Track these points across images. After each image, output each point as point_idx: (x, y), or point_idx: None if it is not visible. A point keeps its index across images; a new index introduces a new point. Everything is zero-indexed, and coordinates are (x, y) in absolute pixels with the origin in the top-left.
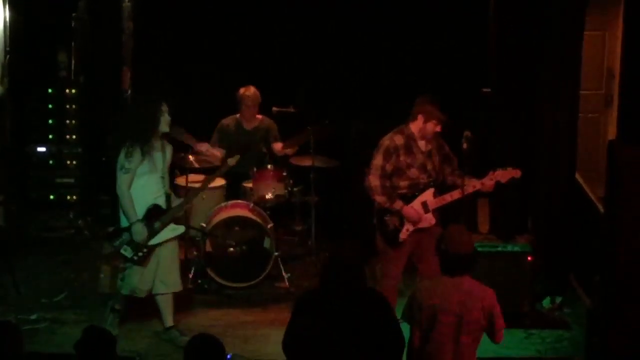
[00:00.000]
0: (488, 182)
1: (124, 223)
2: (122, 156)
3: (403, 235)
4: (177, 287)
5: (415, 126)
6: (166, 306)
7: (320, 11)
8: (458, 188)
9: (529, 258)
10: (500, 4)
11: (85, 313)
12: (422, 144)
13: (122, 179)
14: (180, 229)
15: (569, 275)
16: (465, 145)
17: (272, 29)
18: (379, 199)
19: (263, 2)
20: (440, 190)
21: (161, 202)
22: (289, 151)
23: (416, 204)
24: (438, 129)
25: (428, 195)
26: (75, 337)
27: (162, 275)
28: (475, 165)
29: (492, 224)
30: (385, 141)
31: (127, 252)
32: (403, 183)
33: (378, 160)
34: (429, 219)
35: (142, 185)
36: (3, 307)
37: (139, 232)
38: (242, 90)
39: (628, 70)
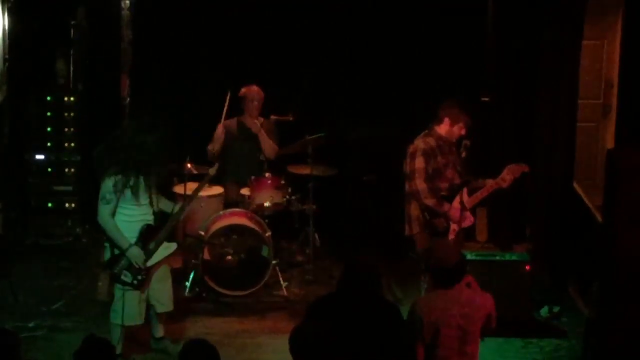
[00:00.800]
0: (506, 176)
1: (112, 253)
2: (105, 187)
3: (451, 235)
4: (171, 305)
5: (442, 129)
6: (159, 319)
7: (318, 19)
8: (480, 188)
9: (527, 267)
10: (498, 13)
11: (84, 321)
12: (448, 145)
13: (103, 209)
14: (172, 246)
15: (567, 284)
16: (464, 154)
17: (271, 38)
18: (429, 201)
19: (261, 11)
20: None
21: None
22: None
23: (456, 204)
24: (463, 132)
25: (464, 195)
26: (74, 344)
27: (157, 295)
28: (474, 173)
29: (490, 232)
30: (420, 145)
31: (127, 277)
32: (443, 184)
33: (419, 163)
34: (470, 218)
35: (123, 210)
36: (1, 315)
37: (137, 255)
38: (245, 89)
39: (626, 80)
